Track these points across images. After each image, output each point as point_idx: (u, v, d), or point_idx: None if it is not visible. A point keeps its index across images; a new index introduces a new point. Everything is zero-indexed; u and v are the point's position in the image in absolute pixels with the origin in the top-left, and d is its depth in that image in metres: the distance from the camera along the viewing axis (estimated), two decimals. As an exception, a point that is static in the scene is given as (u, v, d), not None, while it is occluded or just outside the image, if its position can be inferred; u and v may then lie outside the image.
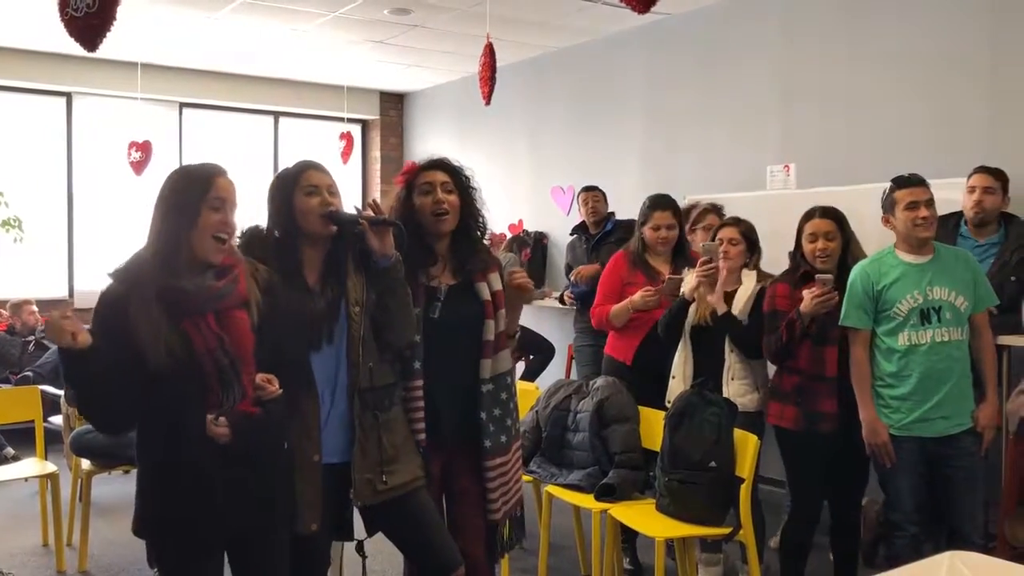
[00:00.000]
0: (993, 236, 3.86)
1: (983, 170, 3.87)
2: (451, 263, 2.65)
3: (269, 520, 2.18)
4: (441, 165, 2.67)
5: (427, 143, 8.42)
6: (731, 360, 3.57)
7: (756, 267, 3.66)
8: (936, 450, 3.15)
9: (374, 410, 2.39)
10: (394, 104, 8.84)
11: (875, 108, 4.77)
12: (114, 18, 3.17)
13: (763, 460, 3.33)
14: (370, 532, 2.54)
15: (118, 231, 7.20)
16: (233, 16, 6.03)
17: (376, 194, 8.62)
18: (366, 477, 2.37)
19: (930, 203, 3.13)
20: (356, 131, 8.66)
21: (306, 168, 2.43)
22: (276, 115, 8.55)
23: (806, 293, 3.25)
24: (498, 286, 2.69)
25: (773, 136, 5.31)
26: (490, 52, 4.70)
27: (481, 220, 2.72)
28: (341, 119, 8.23)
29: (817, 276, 3.20)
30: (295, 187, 2.38)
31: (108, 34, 3.21)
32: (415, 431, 2.54)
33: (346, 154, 8.04)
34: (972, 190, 3.83)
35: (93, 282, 6.96)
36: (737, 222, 3.69)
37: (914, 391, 3.14)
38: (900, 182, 3.19)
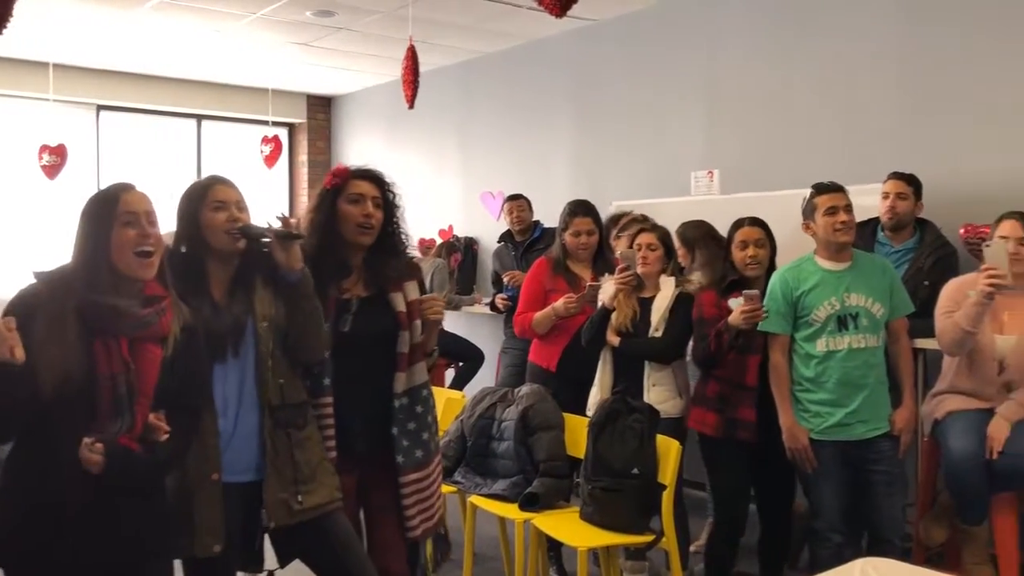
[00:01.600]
0: (909, 241, 3.93)
1: (896, 176, 3.94)
2: (365, 274, 2.59)
3: (138, 555, 2.05)
4: (374, 178, 2.61)
5: (356, 147, 8.32)
6: (650, 367, 3.56)
7: (673, 273, 3.67)
8: (856, 454, 3.19)
9: (287, 428, 2.32)
10: (322, 107, 8.70)
11: (794, 115, 4.84)
12: (10, 14, 3.01)
13: (685, 463, 3.33)
14: (283, 560, 2.43)
15: (30, 236, 6.94)
16: (153, 15, 5.85)
17: (303, 199, 8.47)
18: (280, 497, 2.29)
19: (848, 208, 3.18)
20: (283, 135, 8.49)
21: (214, 183, 2.36)
22: (199, 118, 8.33)
23: (733, 305, 3.26)
24: (415, 295, 2.63)
25: (698, 142, 5.35)
26: (412, 55, 4.64)
27: (403, 238, 2.67)
28: (266, 122, 8.05)
29: (744, 292, 3.20)
30: (202, 202, 2.30)
31: (5, 29, 3.05)
32: (327, 448, 2.46)
33: (272, 158, 7.87)
34: (886, 196, 3.90)
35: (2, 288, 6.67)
36: (654, 228, 3.69)
37: (832, 396, 3.18)
38: (820, 188, 3.24)
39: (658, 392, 3.53)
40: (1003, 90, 3.99)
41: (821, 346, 3.19)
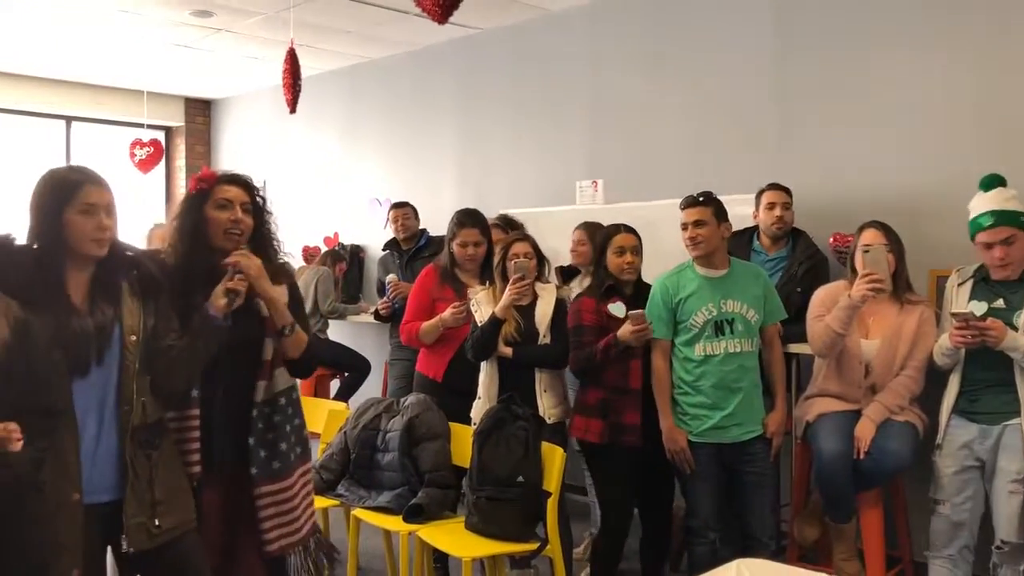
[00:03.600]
0: (783, 250, 4.07)
1: (776, 187, 4.08)
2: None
3: None
4: (242, 183, 2.55)
5: (237, 152, 8.08)
6: (541, 374, 3.57)
7: (547, 280, 3.72)
8: (731, 455, 3.31)
9: (147, 449, 2.22)
10: (201, 111, 8.42)
11: (674, 127, 4.96)
12: None
13: (567, 468, 3.36)
14: None
15: None
16: (19, 12, 5.53)
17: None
18: (139, 521, 2.18)
19: (699, 224, 3.28)
20: (159, 138, 8.16)
21: (85, 182, 2.18)
22: (68, 120, 7.94)
23: (613, 310, 3.35)
24: (283, 300, 2.55)
25: (582, 152, 5.42)
26: (292, 59, 4.53)
27: (274, 243, 2.61)
28: (141, 125, 7.73)
29: (630, 313, 3.27)
30: (69, 201, 2.14)
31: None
32: (189, 463, 2.39)
33: (149, 163, 7.55)
34: (772, 206, 4.02)
35: None
36: (525, 236, 3.69)
37: (709, 399, 3.29)
38: (681, 203, 3.35)
39: (549, 398, 3.55)
40: (870, 105, 4.18)
41: (699, 351, 3.29)
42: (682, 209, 3.33)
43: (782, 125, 4.51)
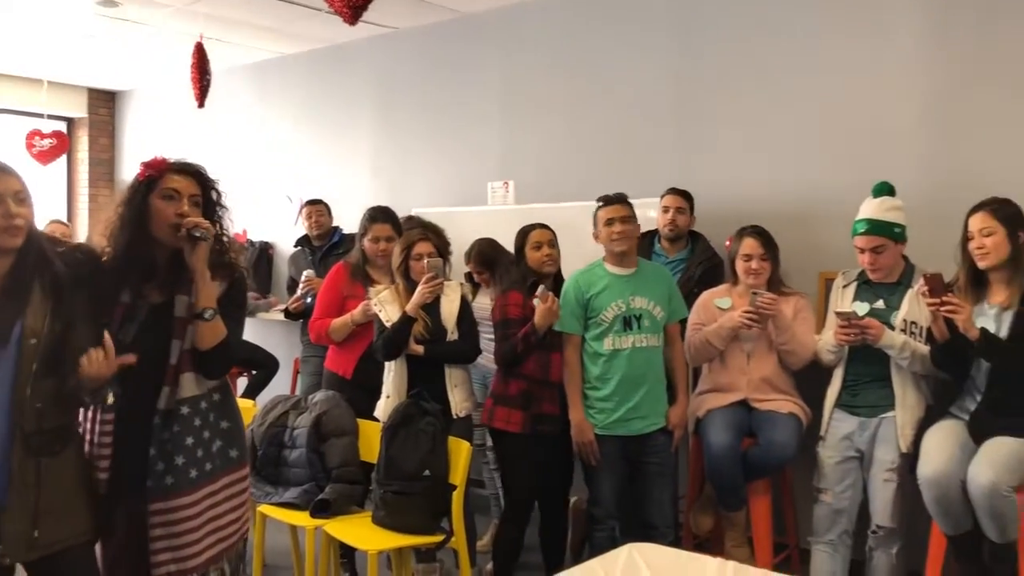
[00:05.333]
0: (682, 252, 4.23)
1: (674, 191, 4.24)
2: (168, 278, 2.36)
3: None
4: (194, 173, 2.38)
5: (143, 146, 7.88)
6: (451, 370, 3.64)
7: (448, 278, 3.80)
8: (634, 447, 3.44)
9: (38, 455, 2.10)
10: (104, 102, 8.19)
11: (583, 130, 5.07)
12: None
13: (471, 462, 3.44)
14: None
15: None
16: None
17: (83, 199, 7.94)
18: (18, 529, 2.07)
19: (625, 220, 3.42)
20: (61, 130, 7.89)
21: None
22: (-39, 108, 7.63)
23: (538, 306, 3.43)
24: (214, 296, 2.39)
25: (494, 153, 5.50)
26: (200, 52, 4.49)
27: (224, 241, 2.44)
28: (40, 115, 7.47)
29: (537, 292, 3.40)
30: None
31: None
32: (99, 469, 2.27)
33: (49, 155, 7.29)
34: (666, 210, 4.18)
35: None
36: (426, 236, 3.74)
37: (615, 393, 3.42)
38: (603, 201, 3.48)
39: (459, 393, 3.63)
40: (767, 112, 4.38)
41: (608, 344, 3.43)
42: (606, 205, 3.46)
43: (684, 131, 4.67)
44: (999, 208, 3.04)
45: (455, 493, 3.32)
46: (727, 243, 4.09)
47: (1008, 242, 3.00)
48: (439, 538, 3.29)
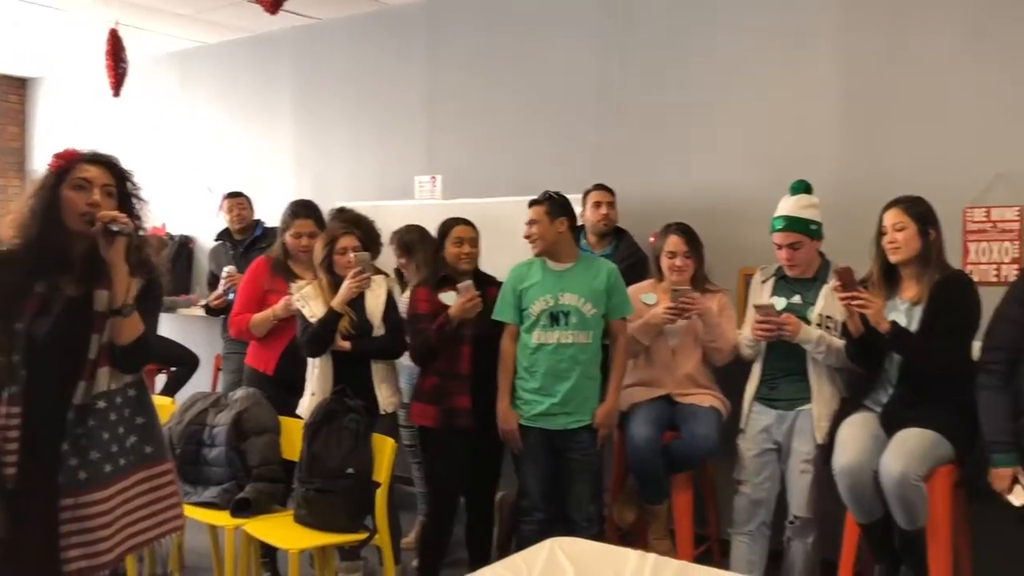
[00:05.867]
0: (608, 248, 4.26)
1: (601, 187, 4.27)
2: (83, 270, 2.29)
3: None
4: (106, 163, 2.32)
5: (55, 135, 7.60)
6: (378, 366, 3.62)
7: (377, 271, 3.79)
8: (559, 442, 3.46)
9: None
10: (15, 88, 7.87)
11: (510, 126, 5.07)
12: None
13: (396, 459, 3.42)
14: None
15: None
16: None
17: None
18: None
19: (530, 223, 3.50)
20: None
21: None
22: None
23: (445, 299, 3.48)
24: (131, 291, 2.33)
25: (421, 147, 5.46)
26: (115, 40, 4.34)
27: (141, 234, 2.37)
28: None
29: (459, 285, 3.40)
30: None
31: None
32: (6, 464, 2.18)
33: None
34: (598, 204, 4.21)
35: None
36: (350, 230, 3.72)
37: (540, 386, 3.44)
38: (530, 202, 3.52)
39: (385, 389, 3.61)
40: (688, 110, 4.45)
41: (535, 338, 3.45)
42: (530, 207, 3.52)
43: (608, 127, 4.71)
44: (911, 205, 3.14)
45: (379, 491, 3.29)
46: (651, 239, 4.14)
47: (919, 238, 3.10)
48: (362, 536, 3.26)
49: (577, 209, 4.27)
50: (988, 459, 2.89)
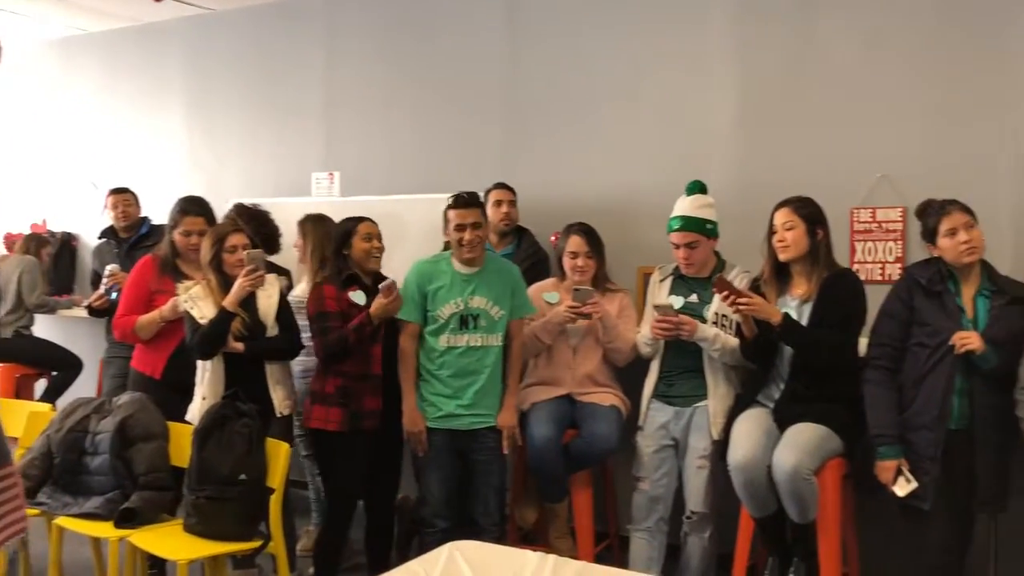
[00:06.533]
0: (509, 247, 4.25)
1: (502, 186, 4.26)
2: None
3: None
4: None
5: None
6: (271, 368, 3.53)
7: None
8: (464, 443, 3.42)
9: None
10: None
11: (411, 123, 5.01)
12: None
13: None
14: None
15: None
16: None
17: None
18: None
19: (476, 226, 3.40)
20: None
21: None
22: None
23: (355, 297, 3.40)
24: None
25: (318, 143, 5.34)
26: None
27: None
28: None
29: (382, 285, 3.33)
30: None
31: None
32: None
33: None
34: (499, 203, 4.18)
35: None
36: (239, 227, 3.62)
37: (447, 388, 3.40)
38: (453, 201, 3.43)
39: (281, 391, 3.52)
40: (588, 111, 4.47)
41: (443, 342, 3.41)
42: (457, 207, 3.39)
43: (508, 126, 4.70)
44: (800, 205, 3.23)
45: (273, 496, 3.19)
46: (553, 238, 4.15)
47: (807, 237, 3.20)
48: (256, 544, 3.15)
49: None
50: (874, 452, 2.99)
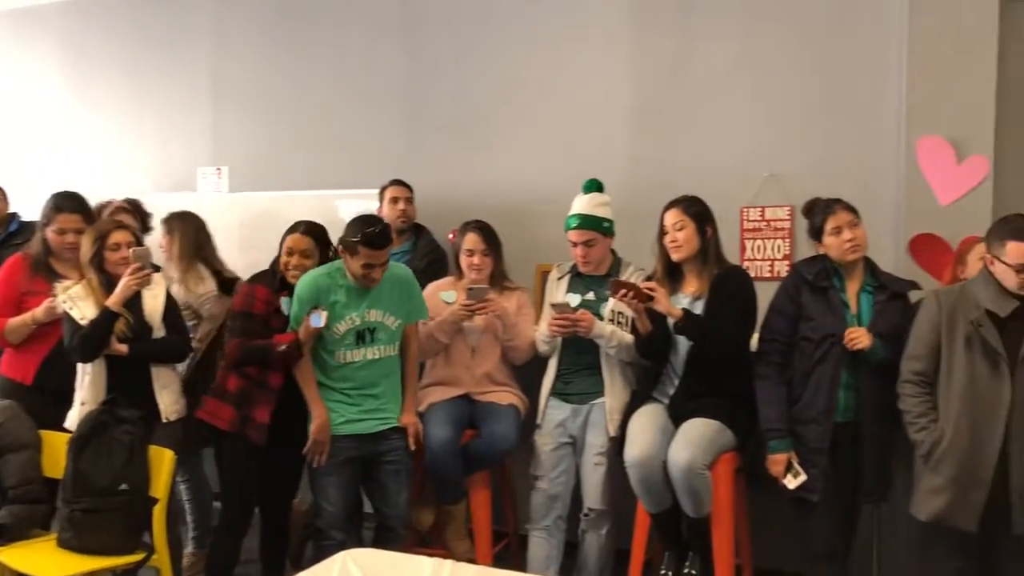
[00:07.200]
0: (406, 244, 4.18)
1: (399, 183, 4.19)
2: None
3: None
4: None
5: None
6: (157, 371, 3.38)
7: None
8: (368, 448, 3.33)
9: None
10: None
11: (305, 119, 4.88)
12: None
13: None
14: None
15: None
16: None
17: None
18: None
19: (384, 265, 3.28)
20: None
21: None
22: None
23: (285, 305, 3.31)
24: None
25: (205, 136, 5.15)
26: None
27: None
28: None
29: (312, 314, 3.21)
30: None
31: None
32: None
33: None
34: (395, 200, 4.12)
35: None
36: (122, 224, 3.48)
37: (346, 399, 3.32)
38: (362, 240, 3.19)
39: (168, 395, 3.40)
40: (485, 110, 4.44)
41: (340, 358, 3.31)
42: (367, 247, 3.19)
43: (405, 123, 4.63)
44: (689, 205, 3.29)
45: (157, 507, 3.06)
46: (450, 236, 4.10)
47: (698, 236, 3.26)
48: (138, 557, 3.03)
49: (374, 205, 4.20)
50: (765, 446, 3.06)
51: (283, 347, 3.24)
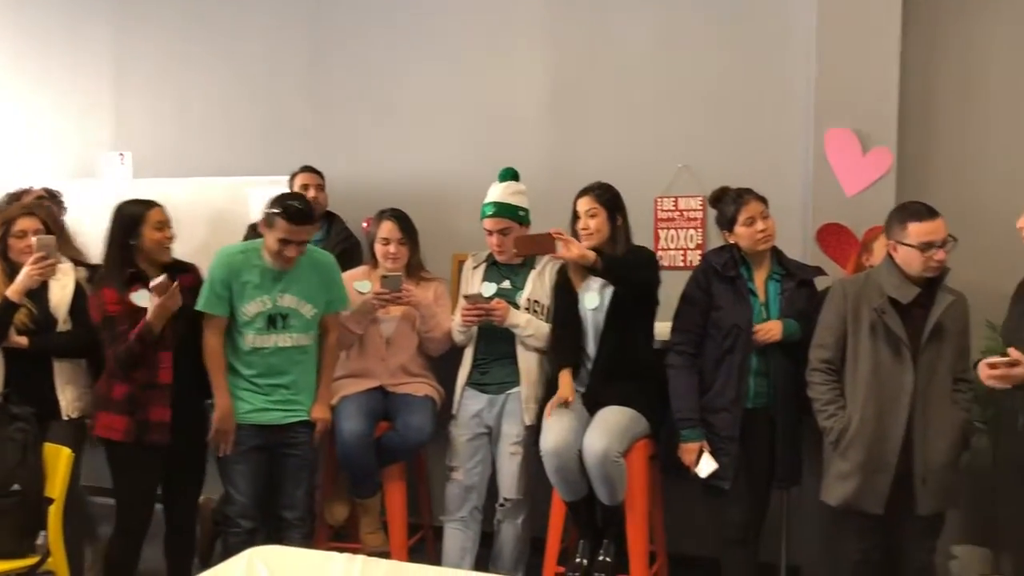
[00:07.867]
0: (318, 233, 4.08)
1: (309, 169, 4.09)
2: None
3: None
4: None
5: None
6: (60, 366, 3.27)
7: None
8: (273, 439, 3.25)
9: None
10: None
11: (211, 101, 4.75)
12: None
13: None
14: None
15: None
16: None
17: None
18: None
19: (302, 244, 3.19)
20: None
21: None
22: None
23: (137, 299, 3.11)
24: None
25: (107, 120, 4.95)
26: None
27: None
28: None
29: (152, 284, 3.04)
30: None
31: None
32: None
33: None
34: (305, 187, 4.01)
35: None
36: (30, 211, 3.34)
37: (254, 387, 3.22)
38: (286, 216, 3.11)
39: (71, 392, 3.29)
40: (399, 97, 4.40)
41: (249, 341, 3.20)
42: (291, 223, 3.09)
43: (317, 109, 4.55)
44: (601, 192, 3.31)
45: (52, 507, 2.92)
46: (365, 225, 4.03)
47: (608, 223, 3.28)
48: (32, 560, 2.89)
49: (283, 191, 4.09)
50: (678, 435, 3.09)
51: (135, 335, 3.06)
